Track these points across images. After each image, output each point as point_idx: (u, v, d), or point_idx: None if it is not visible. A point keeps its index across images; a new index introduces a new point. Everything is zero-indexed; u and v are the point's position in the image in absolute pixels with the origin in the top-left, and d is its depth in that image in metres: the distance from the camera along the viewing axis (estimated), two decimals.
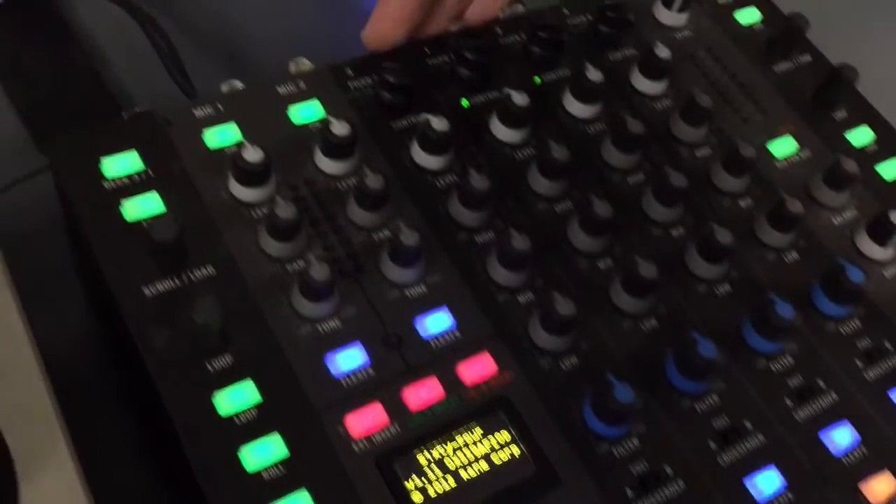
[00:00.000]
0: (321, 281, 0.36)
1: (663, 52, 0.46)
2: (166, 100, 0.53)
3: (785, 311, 0.39)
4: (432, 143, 0.41)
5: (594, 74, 0.45)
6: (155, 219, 0.38)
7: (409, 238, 0.37)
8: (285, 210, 0.37)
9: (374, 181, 0.38)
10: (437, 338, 0.38)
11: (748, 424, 0.39)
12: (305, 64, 0.45)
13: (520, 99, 0.43)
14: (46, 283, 0.44)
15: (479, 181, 0.40)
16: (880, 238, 0.45)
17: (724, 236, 0.41)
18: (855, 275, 0.41)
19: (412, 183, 0.42)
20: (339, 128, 0.40)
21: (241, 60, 0.57)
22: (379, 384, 0.36)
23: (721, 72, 0.50)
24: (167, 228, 0.35)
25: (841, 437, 0.39)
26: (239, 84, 0.44)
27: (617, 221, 0.41)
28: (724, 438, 0.38)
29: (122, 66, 0.56)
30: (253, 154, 0.38)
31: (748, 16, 0.53)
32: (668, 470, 0.37)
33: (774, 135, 0.49)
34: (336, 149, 0.40)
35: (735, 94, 0.50)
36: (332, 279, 0.36)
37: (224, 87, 0.44)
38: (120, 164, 0.39)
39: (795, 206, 0.43)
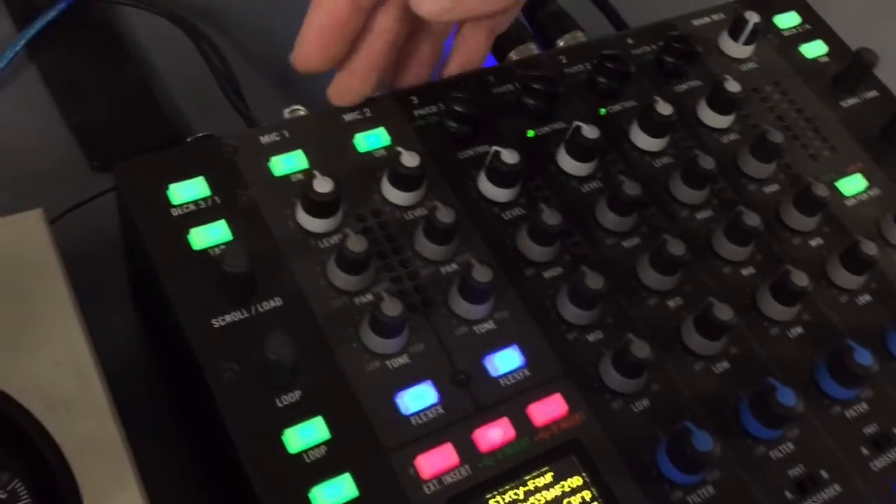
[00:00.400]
0: (393, 317, 0.35)
1: (734, 86, 0.45)
2: (218, 118, 0.53)
3: (864, 359, 0.38)
4: (501, 176, 0.41)
5: (664, 108, 0.44)
6: (224, 248, 0.37)
7: (483, 275, 0.36)
8: (357, 244, 0.36)
9: (445, 215, 0.38)
10: (506, 376, 0.37)
11: (824, 474, 0.38)
12: None
13: (590, 132, 0.42)
14: (95, 305, 0.43)
15: (550, 216, 0.39)
16: None
17: (800, 279, 0.40)
18: None
19: (478, 215, 0.41)
20: (410, 159, 0.39)
21: (296, 83, 0.57)
22: (449, 424, 0.36)
23: (788, 106, 0.49)
24: (238, 259, 0.35)
25: None
26: (302, 109, 0.44)
27: (687, 259, 0.40)
28: (801, 488, 0.37)
29: (175, 85, 0.56)
30: (324, 185, 0.37)
31: (814, 49, 0.52)
32: None
33: (843, 172, 0.48)
34: (405, 180, 0.39)
35: (803, 130, 0.49)
36: (404, 316, 0.35)
37: (286, 113, 0.44)
38: (187, 191, 0.38)
39: (871, 248, 0.42)
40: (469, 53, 0.45)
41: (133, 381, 0.44)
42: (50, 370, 0.33)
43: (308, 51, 0.40)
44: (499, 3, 0.39)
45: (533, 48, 0.51)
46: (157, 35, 0.57)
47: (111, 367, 0.36)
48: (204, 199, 0.38)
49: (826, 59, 0.52)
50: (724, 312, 0.38)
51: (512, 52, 0.51)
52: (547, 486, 0.35)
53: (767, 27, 0.52)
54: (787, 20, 0.53)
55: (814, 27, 0.54)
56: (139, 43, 0.57)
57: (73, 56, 0.55)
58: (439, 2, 0.38)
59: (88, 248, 0.46)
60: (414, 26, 0.43)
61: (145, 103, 0.54)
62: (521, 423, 0.36)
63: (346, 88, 0.42)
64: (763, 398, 0.37)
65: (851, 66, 0.51)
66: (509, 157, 0.40)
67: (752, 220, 0.41)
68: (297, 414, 0.34)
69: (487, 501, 0.34)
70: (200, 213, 0.38)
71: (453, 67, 0.46)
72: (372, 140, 0.42)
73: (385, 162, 0.41)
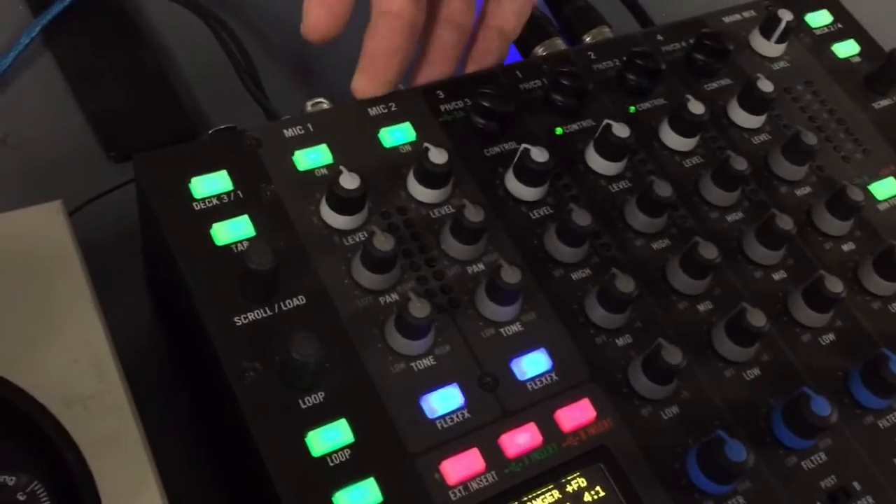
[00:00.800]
0: (421, 318, 0.34)
1: (767, 85, 0.44)
2: (236, 109, 0.52)
3: None
4: (530, 174, 0.40)
5: (696, 107, 0.43)
6: (247, 244, 0.36)
7: (512, 276, 0.36)
8: (384, 242, 0.35)
9: (474, 214, 0.37)
10: (533, 380, 0.36)
11: (857, 485, 0.37)
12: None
13: (621, 131, 0.41)
14: (111, 295, 0.42)
15: (580, 217, 0.38)
16: None
17: (834, 285, 0.39)
18: None
19: (505, 213, 0.40)
20: (438, 156, 0.38)
21: (317, 74, 0.56)
22: (475, 428, 0.35)
23: (819, 106, 0.48)
24: (264, 256, 0.34)
25: None
26: (325, 103, 0.43)
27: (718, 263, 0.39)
28: (833, 500, 0.36)
29: (192, 74, 0.55)
30: (351, 181, 0.36)
31: (846, 49, 0.51)
32: None
33: (876, 175, 0.47)
34: (433, 177, 0.38)
35: (834, 132, 0.48)
36: (432, 317, 0.34)
37: (309, 106, 0.43)
38: (209, 185, 0.37)
39: None
40: (483, 57, 0.45)
41: (149, 372, 0.43)
42: (68, 367, 0.33)
43: (314, 12, 0.40)
44: None
45: (559, 43, 0.50)
46: (174, 23, 0.56)
47: (127, 358, 0.36)
48: (226, 194, 0.37)
49: (858, 59, 0.51)
50: (757, 319, 0.37)
51: (538, 48, 0.50)
52: (574, 494, 0.34)
53: (799, 25, 0.51)
54: (819, 18, 0.52)
55: (845, 26, 0.53)
56: (156, 30, 0.56)
57: (89, 43, 0.54)
58: None
59: (103, 237, 0.46)
60: (433, 14, 0.42)
61: (162, 92, 0.53)
62: (549, 428, 0.35)
63: (369, 75, 0.41)
64: (796, 407, 0.36)
65: (884, 67, 0.49)
66: (539, 155, 0.39)
67: (786, 223, 0.40)
68: (321, 416, 0.33)
69: None
70: (223, 208, 0.37)
71: (473, 66, 0.45)
72: (397, 135, 0.41)
73: (411, 158, 0.40)
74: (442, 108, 0.43)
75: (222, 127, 0.41)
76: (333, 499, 0.32)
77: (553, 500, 0.34)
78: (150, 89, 0.53)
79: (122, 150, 0.50)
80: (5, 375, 0.31)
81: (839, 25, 0.52)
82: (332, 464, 0.33)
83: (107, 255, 0.46)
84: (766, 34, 0.48)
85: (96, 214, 0.46)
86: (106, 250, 0.46)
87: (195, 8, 0.54)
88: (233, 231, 0.37)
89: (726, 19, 0.50)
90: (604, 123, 0.42)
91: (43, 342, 0.33)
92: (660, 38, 0.48)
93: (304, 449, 0.33)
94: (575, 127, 0.44)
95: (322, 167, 0.39)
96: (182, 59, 0.55)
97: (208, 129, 0.52)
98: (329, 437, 0.33)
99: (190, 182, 0.37)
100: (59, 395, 0.32)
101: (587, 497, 0.34)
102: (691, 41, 0.48)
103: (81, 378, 0.33)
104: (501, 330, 0.37)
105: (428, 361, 0.36)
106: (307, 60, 0.57)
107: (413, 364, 0.35)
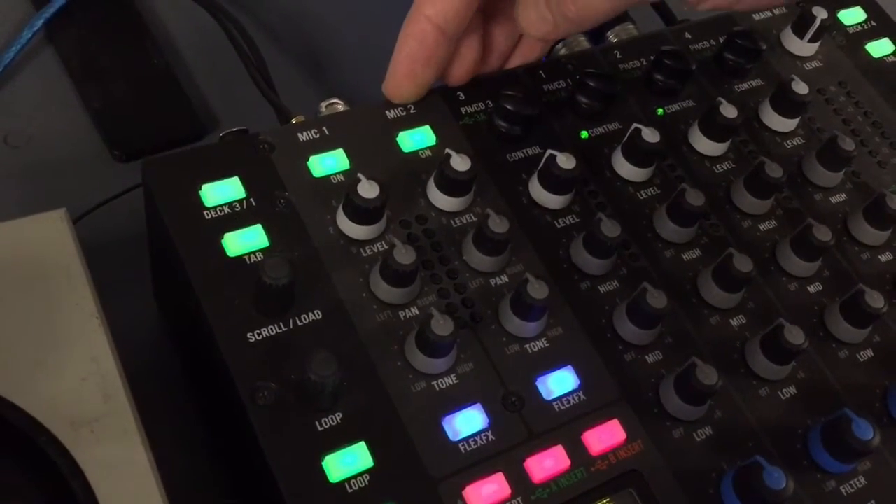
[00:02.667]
0: (444, 336, 0.32)
1: (801, 87, 0.43)
2: (247, 109, 0.50)
3: None
4: (556, 182, 0.38)
5: (729, 111, 0.41)
6: (261, 256, 0.34)
7: (539, 292, 0.34)
8: (405, 256, 0.33)
9: (499, 225, 0.35)
10: (560, 400, 0.35)
11: None
12: None
13: (650, 136, 0.39)
14: (117, 301, 0.41)
15: (610, 228, 0.36)
16: None
17: (875, 300, 0.37)
18: None
19: (530, 222, 0.38)
20: (461, 163, 0.36)
21: (330, 73, 0.54)
22: (500, 451, 0.33)
23: (854, 109, 0.46)
24: (281, 271, 0.32)
25: None
26: (340, 104, 0.41)
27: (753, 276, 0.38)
28: None
29: (201, 72, 0.53)
30: (370, 190, 0.35)
31: (881, 48, 0.49)
32: None
33: None
34: (455, 185, 0.37)
35: (870, 135, 0.46)
36: (455, 335, 0.33)
37: (323, 107, 0.41)
38: (220, 192, 0.36)
39: None
40: (523, 60, 0.43)
41: (159, 384, 0.42)
42: (75, 387, 0.31)
43: (399, 81, 0.39)
44: (597, 17, 0.37)
45: (582, 41, 0.48)
46: (182, 18, 0.54)
47: (135, 370, 0.34)
48: (239, 201, 0.36)
49: (893, 58, 0.49)
50: (796, 336, 0.35)
51: (560, 45, 0.48)
52: None
53: (832, 23, 0.49)
54: (852, 16, 0.50)
55: (879, 24, 0.51)
56: (163, 26, 0.54)
57: (93, 38, 0.52)
58: (544, 24, 0.37)
59: (110, 241, 0.44)
60: (488, 11, 0.41)
61: (170, 90, 0.51)
62: (577, 451, 0.34)
63: (398, 82, 0.39)
64: (837, 430, 0.34)
65: None
66: (566, 161, 0.37)
67: (824, 234, 0.38)
68: (339, 439, 0.32)
69: None
70: (235, 217, 0.35)
71: (515, 63, 0.43)
72: (417, 139, 0.39)
73: (431, 163, 0.38)
74: (462, 110, 0.41)
75: (234, 130, 0.39)
76: None
77: None
78: (157, 87, 0.51)
79: (128, 150, 0.48)
80: (9, 396, 0.30)
81: (873, 23, 0.50)
82: (350, 490, 0.31)
83: (113, 261, 0.44)
84: (799, 32, 0.46)
85: (102, 218, 0.45)
86: (112, 255, 0.44)
87: (204, 3, 0.52)
88: (245, 241, 0.35)
89: (756, 16, 0.48)
90: (633, 127, 0.40)
91: (48, 361, 0.31)
92: (688, 35, 0.47)
93: (321, 474, 0.31)
94: (601, 130, 0.42)
95: (338, 173, 0.37)
96: (190, 55, 0.53)
97: (217, 129, 0.51)
98: (347, 462, 0.31)
99: (200, 189, 0.35)
100: (66, 418, 0.30)
101: None
102: (721, 39, 0.46)
103: (88, 399, 0.31)
104: (526, 346, 0.35)
105: (450, 380, 0.34)
106: (319, 58, 0.55)
107: (434, 383, 0.34)
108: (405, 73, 0.39)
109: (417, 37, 0.38)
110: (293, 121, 0.41)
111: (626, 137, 0.40)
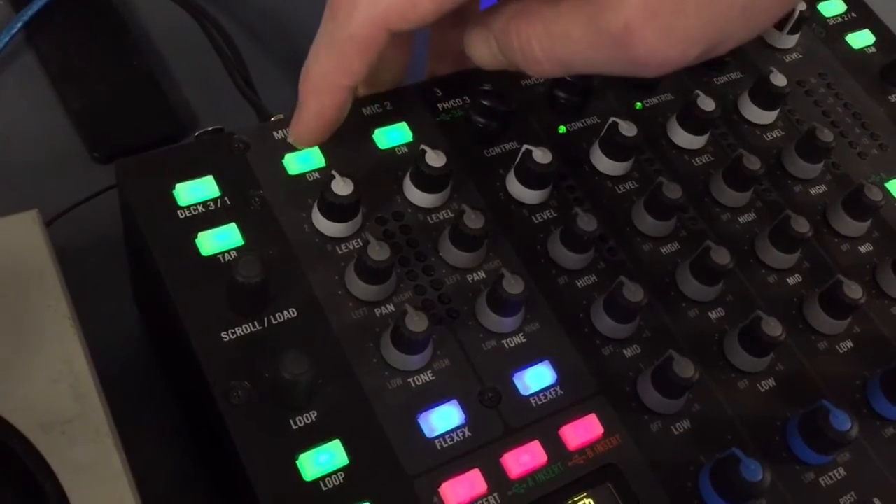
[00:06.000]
0: (419, 333, 0.32)
1: (780, 79, 0.42)
2: (227, 109, 0.50)
3: None
4: (533, 177, 0.38)
5: (707, 103, 0.41)
6: (235, 254, 0.34)
7: (515, 286, 0.34)
8: (379, 252, 0.33)
9: (474, 221, 0.35)
10: (537, 395, 0.35)
11: (877, 502, 0.35)
12: None
13: (628, 129, 0.39)
14: (95, 302, 0.41)
15: (586, 222, 0.36)
16: None
17: (853, 291, 0.37)
18: None
19: (507, 217, 0.38)
20: (436, 159, 0.36)
21: None
22: (476, 447, 0.33)
23: (834, 100, 0.46)
24: (252, 269, 0.32)
25: None
26: None
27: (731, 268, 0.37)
28: None
29: (180, 72, 0.52)
30: (343, 186, 0.34)
31: (861, 39, 0.49)
32: None
33: (894, 172, 0.45)
34: (430, 181, 0.37)
35: (850, 126, 0.46)
36: (430, 331, 0.32)
37: None
38: (194, 191, 0.35)
39: None
40: None
41: (137, 385, 0.42)
42: (46, 388, 0.31)
43: (311, 135, 0.37)
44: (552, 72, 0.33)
45: None
46: (162, 19, 0.54)
47: (111, 371, 0.34)
48: (213, 200, 0.36)
49: (873, 49, 0.49)
50: (773, 328, 0.35)
51: None
52: None
53: (811, 15, 0.49)
54: (832, 8, 0.50)
55: (859, 15, 0.51)
56: (143, 27, 0.54)
57: (72, 40, 0.52)
58: (495, 62, 0.34)
59: (88, 242, 0.44)
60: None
61: (149, 91, 0.51)
62: (554, 446, 0.34)
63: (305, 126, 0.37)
64: (815, 421, 0.34)
65: None
66: (542, 156, 0.37)
67: (802, 226, 0.38)
68: (313, 437, 0.32)
69: None
70: (209, 216, 0.35)
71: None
72: (393, 136, 0.39)
73: (407, 160, 0.38)
74: (439, 106, 0.41)
75: (209, 129, 0.39)
76: None
77: None
78: (137, 88, 0.51)
79: (108, 151, 0.48)
80: None
81: (853, 15, 0.50)
82: (325, 488, 0.31)
83: (94, 262, 0.44)
84: (779, 24, 0.46)
85: (84, 220, 0.44)
86: (93, 256, 0.45)
87: (184, 3, 0.52)
88: (220, 240, 0.35)
89: None
90: (610, 121, 0.40)
91: (19, 362, 0.31)
92: None
93: (296, 472, 0.31)
94: (579, 125, 0.42)
95: (314, 171, 0.37)
96: (170, 56, 0.53)
97: (197, 129, 0.51)
98: (322, 460, 0.31)
99: (174, 188, 0.35)
100: (36, 420, 0.30)
101: None
102: None
103: (60, 401, 0.31)
104: (503, 342, 0.35)
105: (426, 377, 0.34)
106: (299, 57, 0.54)
107: (410, 380, 0.34)
108: (317, 128, 0.36)
109: (328, 98, 0.35)
110: (272, 120, 0.41)
111: (603, 131, 0.40)
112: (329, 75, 0.35)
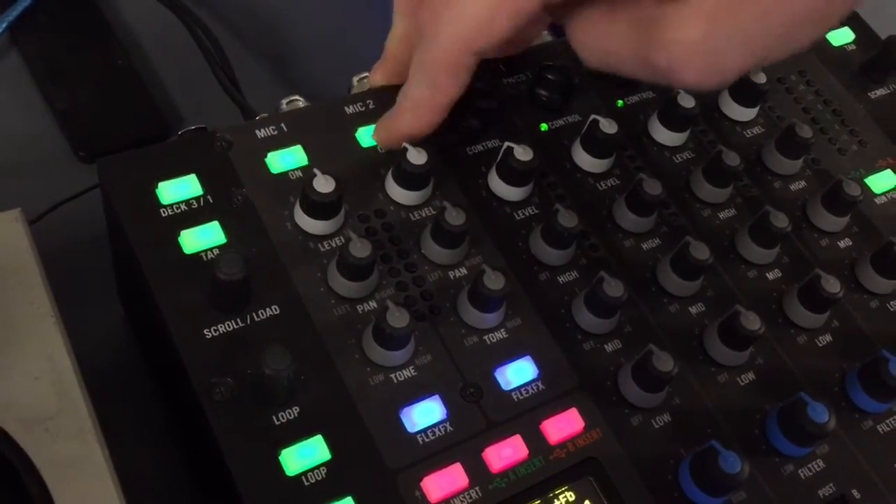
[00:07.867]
0: (400, 328, 0.32)
1: (759, 77, 0.43)
2: (212, 108, 0.50)
3: None
4: (514, 174, 0.38)
5: (687, 100, 0.41)
6: (218, 252, 0.34)
7: (495, 282, 0.34)
8: (361, 249, 0.33)
9: (455, 217, 0.35)
10: (519, 390, 0.35)
11: (856, 493, 0.36)
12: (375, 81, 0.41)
13: (608, 127, 0.39)
14: (80, 300, 0.41)
15: (567, 219, 0.36)
16: None
17: (831, 285, 0.37)
18: None
19: (488, 214, 0.39)
20: (417, 156, 0.36)
21: (294, 71, 0.54)
22: (458, 442, 0.33)
23: (814, 97, 0.47)
24: (234, 266, 0.32)
25: None
26: (301, 101, 0.41)
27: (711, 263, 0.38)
28: None
29: (165, 72, 0.53)
30: (325, 184, 0.35)
31: (840, 36, 0.50)
32: None
33: (873, 168, 0.45)
34: (412, 178, 0.37)
35: (829, 123, 0.46)
36: (411, 326, 0.33)
37: (284, 104, 0.41)
38: (177, 190, 0.36)
39: None
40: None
41: (122, 384, 0.42)
42: (28, 386, 0.31)
43: (393, 139, 0.38)
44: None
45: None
46: (146, 18, 0.54)
47: (96, 369, 0.34)
48: (195, 199, 0.36)
49: (853, 46, 0.50)
50: (752, 322, 0.35)
51: None
52: None
53: None
54: None
55: None
56: (128, 26, 0.54)
57: (57, 40, 0.52)
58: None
59: (73, 241, 0.44)
60: None
61: (134, 90, 0.51)
62: (535, 440, 0.34)
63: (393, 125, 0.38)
64: (793, 414, 0.34)
65: (880, 55, 0.48)
66: (523, 154, 0.38)
67: (781, 221, 0.39)
68: (296, 432, 0.32)
69: None
70: (192, 214, 0.35)
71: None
72: None
73: (390, 158, 0.38)
74: None
75: (192, 128, 0.39)
76: None
77: None
78: (122, 87, 0.51)
79: (92, 151, 0.48)
80: None
81: None
82: (307, 483, 0.31)
83: (76, 260, 0.45)
84: None
85: (64, 218, 0.45)
86: (75, 255, 0.45)
87: (168, 3, 0.52)
88: (202, 238, 0.35)
89: None
90: (591, 119, 0.40)
91: (0, 359, 0.31)
92: None
93: (278, 468, 0.31)
94: (561, 122, 0.42)
95: (296, 169, 0.38)
96: (155, 56, 0.53)
97: (182, 129, 0.51)
98: (304, 455, 0.32)
99: (157, 187, 0.35)
100: (18, 417, 0.30)
101: None
102: None
103: (42, 397, 0.31)
104: (485, 337, 0.36)
105: (408, 372, 0.34)
106: (284, 57, 0.55)
107: (392, 375, 0.34)
108: (407, 137, 0.37)
109: (426, 116, 0.37)
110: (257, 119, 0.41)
111: (584, 129, 0.40)
112: (424, 98, 0.36)
